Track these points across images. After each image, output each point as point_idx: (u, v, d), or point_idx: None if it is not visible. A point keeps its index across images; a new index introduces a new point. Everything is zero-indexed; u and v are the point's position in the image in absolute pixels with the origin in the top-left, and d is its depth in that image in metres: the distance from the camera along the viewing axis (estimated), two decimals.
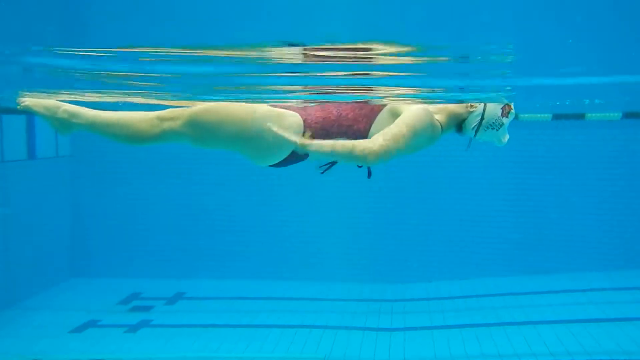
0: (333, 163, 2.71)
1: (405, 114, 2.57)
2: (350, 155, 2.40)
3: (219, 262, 8.11)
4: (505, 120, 2.79)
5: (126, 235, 8.21)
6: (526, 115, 5.32)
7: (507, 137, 2.83)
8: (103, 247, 8.23)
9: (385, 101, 2.76)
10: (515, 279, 7.81)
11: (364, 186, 2.77)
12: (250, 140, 2.53)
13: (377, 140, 2.45)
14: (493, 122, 2.76)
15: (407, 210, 8.17)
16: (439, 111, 2.75)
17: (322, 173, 2.74)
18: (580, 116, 5.23)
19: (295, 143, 2.41)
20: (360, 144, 2.42)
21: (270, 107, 2.61)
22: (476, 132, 2.78)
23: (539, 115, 5.34)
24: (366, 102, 2.73)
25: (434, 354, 5.67)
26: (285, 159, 2.61)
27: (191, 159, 7.69)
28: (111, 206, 8.20)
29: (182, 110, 2.52)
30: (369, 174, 2.67)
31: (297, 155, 2.59)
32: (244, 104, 2.63)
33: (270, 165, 2.67)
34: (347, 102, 2.70)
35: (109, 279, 8.00)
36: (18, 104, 2.62)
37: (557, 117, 4.97)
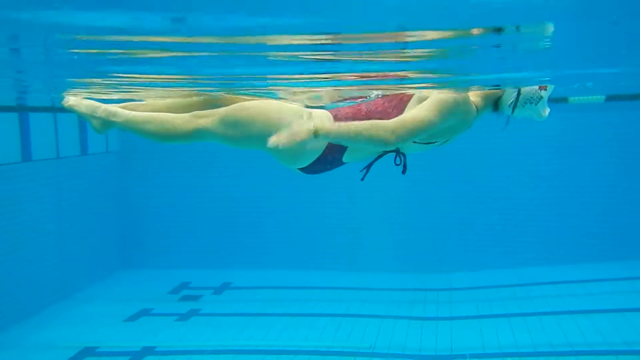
0: (370, 166, 2.69)
1: (431, 97, 2.52)
2: (368, 135, 2.33)
3: (265, 253, 8.23)
4: (544, 93, 2.66)
5: (174, 227, 8.44)
6: (575, 98, 5.11)
7: (547, 110, 2.70)
8: (152, 239, 8.49)
9: (413, 91, 2.69)
10: (565, 267, 7.60)
11: (408, 175, 2.71)
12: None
13: (395, 119, 2.41)
14: (531, 97, 2.64)
15: (452, 199, 8.05)
16: (472, 93, 2.67)
17: (362, 179, 2.71)
18: (635, 96, 4.98)
19: (311, 129, 2.35)
20: (377, 122, 2.37)
21: (299, 106, 2.59)
22: (514, 108, 2.66)
23: (589, 97, 5.11)
24: (396, 94, 2.66)
25: (482, 344, 5.59)
26: (316, 164, 2.59)
27: (235, 153, 7.80)
28: (159, 199, 8.44)
29: (216, 109, 2.55)
30: (404, 170, 2.63)
31: (328, 161, 2.57)
32: (274, 101, 2.60)
33: (300, 170, 2.66)
34: (378, 99, 2.66)
35: (159, 269, 8.26)
36: (62, 104, 2.74)
37: (610, 98, 4.74)
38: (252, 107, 2.54)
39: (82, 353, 5.56)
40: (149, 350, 5.64)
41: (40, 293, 6.71)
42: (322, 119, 2.51)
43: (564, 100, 4.71)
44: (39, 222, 6.71)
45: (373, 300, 7.03)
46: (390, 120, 2.40)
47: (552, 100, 4.73)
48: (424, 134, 2.45)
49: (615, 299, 6.52)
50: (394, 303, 6.89)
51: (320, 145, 2.53)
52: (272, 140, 2.36)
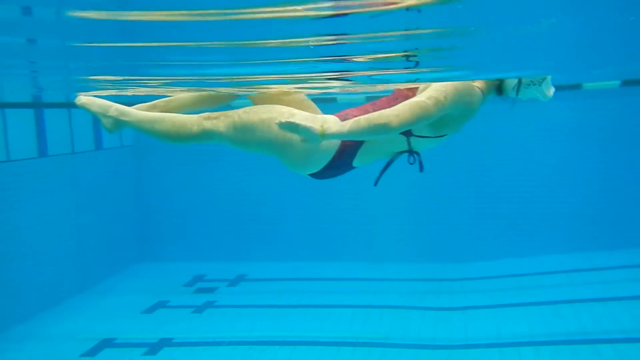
0: (383, 171, 2.69)
1: (432, 85, 2.52)
2: (372, 126, 2.34)
3: (279, 245, 8.27)
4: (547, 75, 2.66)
5: (189, 220, 8.52)
6: (590, 83, 5.05)
7: (552, 90, 2.67)
8: (167, 232, 8.58)
9: (417, 84, 2.67)
10: (579, 255, 7.54)
11: (423, 161, 2.70)
12: (282, 145, 2.52)
13: (397, 105, 2.41)
14: (534, 78, 2.64)
15: (465, 187, 8.02)
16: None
17: (375, 185, 2.72)
18: None
19: (314, 131, 2.36)
20: (379, 111, 2.38)
21: (306, 113, 2.59)
22: (517, 90, 2.65)
23: (604, 82, 5.03)
24: (401, 92, 2.64)
25: (498, 333, 5.58)
26: (326, 169, 2.59)
27: None
28: (174, 193, 8.52)
29: (227, 112, 2.57)
30: (421, 168, 2.62)
31: (338, 166, 2.58)
32: (285, 107, 2.60)
33: (310, 175, 2.66)
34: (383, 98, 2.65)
35: (174, 262, 8.34)
36: (75, 102, 2.77)
37: (627, 83, 4.67)
38: (262, 111, 2.55)
39: (101, 344, 5.66)
40: (166, 341, 5.72)
41: (59, 286, 6.83)
42: (330, 121, 2.52)
43: (578, 86, 4.65)
44: (56, 217, 6.81)
45: (387, 290, 7.04)
46: (392, 107, 2.41)
47: (566, 87, 4.68)
48: (427, 119, 2.44)
49: (631, 287, 6.47)
50: (407, 293, 6.91)
51: (330, 150, 2.53)
52: (283, 119, 2.39)
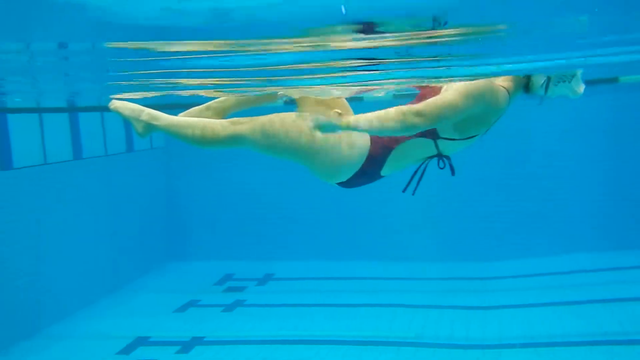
0: (413, 176, 2.67)
1: (456, 84, 2.48)
2: (394, 120, 2.32)
3: (307, 244, 8.29)
4: (577, 71, 2.58)
5: (218, 220, 8.62)
6: (626, 77, 4.89)
7: (582, 87, 2.59)
8: (197, 231, 8.70)
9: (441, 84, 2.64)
10: (615, 254, 7.34)
11: (453, 163, 2.67)
12: (309, 153, 2.52)
13: (420, 103, 2.39)
14: (563, 74, 2.56)
15: (497, 186, 7.90)
16: (500, 77, 2.60)
17: (404, 191, 2.70)
18: None
19: (337, 124, 2.35)
20: (399, 107, 2.35)
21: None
22: (546, 88, 2.58)
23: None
24: (429, 91, 2.61)
25: (531, 333, 5.48)
26: (354, 178, 2.59)
27: None
28: (203, 193, 8.63)
29: (256, 117, 2.59)
30: (452, 172, 2.59)
31: (367, 174, 2.57)
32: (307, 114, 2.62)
33: (338, 184, 2.66)
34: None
35: (204, 261, 8.46)
36: (109, 106, 2.84)
37: None
38: (288, 118, 2.56)
39: (135, 342, 5.78)
40: (198, 340, 5.81)
41: (94, 285, 6.99)
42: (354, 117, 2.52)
43: (614, 80, 4.51)
44: (91, 218, 6.98)
45: (417, 289, 6.99)
46: (414, 105, 2.39)
47: (601, 81, 4.56)
48: (449, 119, 2.41)
49: None
50: (438, 292, 6.84)
51: (359, 159, 2.52)
52: (312, 118, 2.39)
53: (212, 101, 2.90)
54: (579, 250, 7.55)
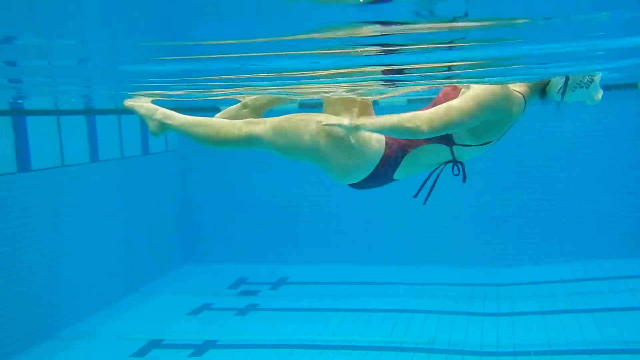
0: (425, 182, 2.65)
1: (470, 89, 2.44)
2: (402, 126, 2.31)
3: (320, 248, 8.28)
4: (595, 77, 2.52)
5: (232, 223, 8.65)
6: None
7: (600, 93, 2.53)
8: (211, 234, 8.74)
9: (460, 86, 2.60)
10: (632, 261, 7.21)
11: (468, 167, 2.64)
12: (323, 154, 2.50)
13: (430, 109, 2.36)
14: (581, 80, 2.50)
15: (513, 191, 7.81)
16: (517, 83, 2.57)
17: (415, 196, 2.69)
18: None
19: (348, 126, 2.35)
20: (410, 113, 2.34)
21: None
22: (563, 94, 2.52)
23: None
24: (446, 94, 2.58)
25: (547, 340, 5.39)
26: (367, 181, 2.57)
27: None
28: (218, 196, 8.67)
29: (270, 118, 2.58)
30: (464, 178, 2.56)
31: (379, 177, 2.55)
32: (320, 116, 2.60)
33: (350, 185, 2.65)
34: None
35: (217, 264, 8.49)
36: (123, 104, 2.86)
37: None
38: (305, 117, 2.56)
39: (150, 345, 5.81)
40: (211, 343, 5.82)
41: (110, 287, 7.06)
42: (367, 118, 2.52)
43: (634, 86, 4.44)
44: (108, 220, 7.05)
45: (431, 294, 6.93)
46: (425, 111, 2.37)
47: (620, 87, 4.48)
48: (461, 125, 2.37)
49: None
50: (452, 298, 6.77)
51: (373, 161, 2.51)
52: (321, 117, 2.39)
53: (248, 99, 2.90)
54: (595, 257, 7.43)
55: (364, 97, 2.83)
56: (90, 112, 6.58)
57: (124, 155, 7.51)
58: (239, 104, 2.89)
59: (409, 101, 4.62)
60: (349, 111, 2.68)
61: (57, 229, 6.21)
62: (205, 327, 6.28)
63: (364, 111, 2.71)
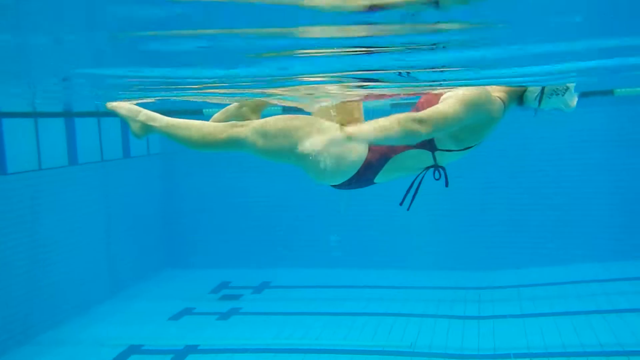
0: (409, 190, 2.67)
1: (454, 93, 2.48)
2: (396, 131, 2.31)
3: (304, 252, 8.27)
4: (570, 84, 2.62)
5: (214, 227, 8.59)
6: (622, 90, 4.91)
7: (575, 100, 2.64)
8: (193, 239, 8.67)
9: (439, 90, 2.63)
10: (612, 265, 7.33)
11: (450, 172, 2.67)
12: (305, 157, 2.51)
13: (418, 112, 2.38)
14: (556, 88, 2.60)
15: (494, 196, 7.89)
16: (495, 88, 2.63)
17: (401, 204, 2.69)
18: None
19: (340, 138, 2.36)
20: (398, 116, 2.34)
21: (328, 123, 2.59)
22: (540, 101, 2.61)
23: (636, 89, 4.89)
24: (428, 100, 2.60)
25: (527, 343, 5.45)
26: (348, 182, 2.58)
27: None
28: (200, 200, 8.61)
29: (253, 120, 2.58)
30: (447, 183, 2.59)
31: (361, 180, 2.56)
32: (310, 117, 2.61)
33: (333, 186, 2.66)
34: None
35: (199, 269, 8.42)
36: (106, 105, 2.83)
37: None
38: (288, 119, 2.55)
39: (129, 350, 5.73)
40: (192, 348, 5.76)
41: (90, 291, 6.95)
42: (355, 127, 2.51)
43: (609, 92, 4.53)
44: (87, 224, 6.95)
45: (413, 298, 6.96)
46: (414, 113, 2.39)
47: (597, 93, 4.56)
48: (449, 127, 2.40)
49: None
50: (434, 301, 6.81)
51: (355, 164, 2.52)
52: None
53: (229, 106, 2.88)
54: (578, 261, 7.54)
55: (351, 100, 2.84)
56: (69, 115, 6.49)
57: (104, 158, 7.42)
58: (237, 103, 2.88)
59: (393, 105, 4.65)
60: (341, 114, 2.68)
61: (34, 232, 6.10)
62: (186, 332, 6.22)
63: (353, 114, 2.72)
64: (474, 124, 2.47)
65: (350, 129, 2.37)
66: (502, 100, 2.57)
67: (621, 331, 5.49)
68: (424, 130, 2.33)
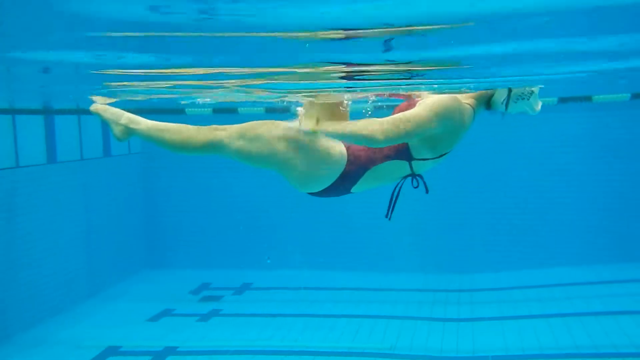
0: (394, 202, 2.71)
1: (424, 100, 2.55)
2: (359, 135, 2.37)
3: (285, 254, 8.25)
4: (535, 88, 2.72)
5: (195, 228, 8.53)
6: (600, 96, 5.02)
7: (540, 104, 2.75)
8: (174, 239, 8.59)
9: (418, 93, 2.70)
10: (590, 268, 7.47)
11: (430, 176, 2.71)
12: (284, 162, 2.55)
13: (386, 118, 2.43)
14: (522, 93, 2.70)
15: (474, 199, 7.97)
16: (463, 95, 2.71)
17: (390, 219, 2.74)
18: None
19: (309, 130, 2.42)
20: (368, 122, 2.40)
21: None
22: (507, 105, 2.71)
23: (614, 95, 5.00)
24: (407, 104, 2.65)
25: (505, 345, 5.52)
26: (325, 191, 2.63)
27: None
28: (181, 201, 8.54)
29: (233, 125, 2.60)
30: (427, 190, 2.65)
31: (338, 190, 2.61)
32: (284, 123, 2.63)
33: (310, 194, 2.69)
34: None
35: (180, 269, 8.35)
36: (90, 109, 2.82)
37: (636, 96, 4.66)
38: (268, 125, 2.57)
39: (106, 352, 5.66)
40: (171, 350, 5.70)
41: (69, 292, 6.85)
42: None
43: (587, 98, 4.63)
44: (65, 223, 6.84)
45: (393, 300, 7.00)
46: (382, 119, 2.43)
47: (576, 99, 4.65)
48: (416, 134, 2.45)
49: None
50: (414, 304, 6.86)
51: (334, 173, 2.56)
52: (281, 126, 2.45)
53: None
54: (556, 265, 7.66)
55: (336, 102, 2.86)
56: (48, 112, 6.39)
57: (83, 156, 7.32)
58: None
59: (376, 108, 4.67)
60: (326, 115, 2.70)
61: (11, 230, 5.99)
62: (165, 334, 6.16)
63: (337, 117, 2.74)
64: (446, 131, 2.53)
65: (322, 124, 2.41)
66: (472, 106, 2.64)
67: (596, 333, 5.60)
68: (382, 138, 2.38)
